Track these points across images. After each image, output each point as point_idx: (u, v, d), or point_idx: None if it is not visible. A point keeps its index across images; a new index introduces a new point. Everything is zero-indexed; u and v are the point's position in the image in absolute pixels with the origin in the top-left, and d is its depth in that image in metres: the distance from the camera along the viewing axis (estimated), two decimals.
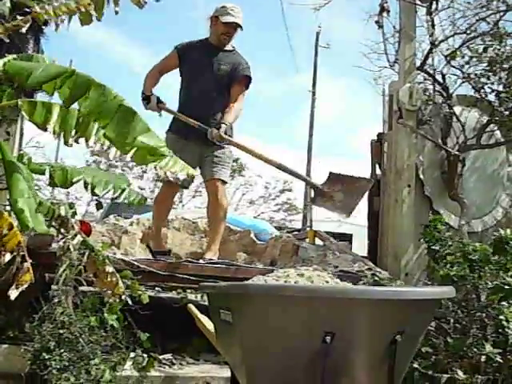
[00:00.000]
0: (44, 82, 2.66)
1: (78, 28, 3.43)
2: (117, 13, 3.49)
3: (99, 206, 2.76)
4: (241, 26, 4.43)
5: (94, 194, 2.88)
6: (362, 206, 6.22)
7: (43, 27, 4.43)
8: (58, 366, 3.16)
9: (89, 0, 3.32)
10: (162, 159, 2.85)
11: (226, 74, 4.49)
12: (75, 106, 2.80)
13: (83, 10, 3.30)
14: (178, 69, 4.65)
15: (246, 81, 4.62)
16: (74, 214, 3.17)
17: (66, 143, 2.95)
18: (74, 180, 2.77)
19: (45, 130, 2.82)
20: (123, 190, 2.95)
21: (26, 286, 2.81)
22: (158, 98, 4.47)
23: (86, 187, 2.78)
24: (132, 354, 3.75)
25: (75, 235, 3.06)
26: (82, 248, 3.04)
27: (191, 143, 4.45)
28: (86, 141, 2.96)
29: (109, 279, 3.06)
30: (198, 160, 4.48)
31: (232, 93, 4.53)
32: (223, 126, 4.36)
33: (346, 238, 7.38)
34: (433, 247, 4.02)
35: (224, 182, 4.52)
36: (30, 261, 2.91)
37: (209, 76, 4.48)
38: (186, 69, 4.57)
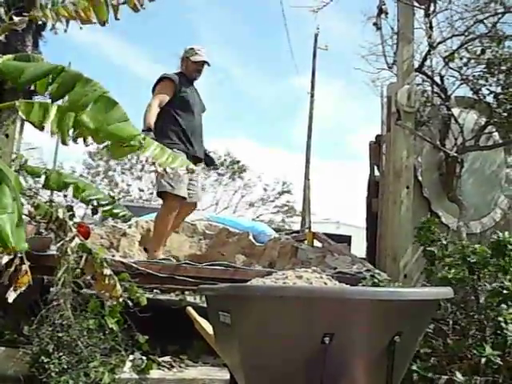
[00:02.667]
0: (35, 80, 2.66)
1: (76, 30, 3.43)
2: (117, 19, 3.51)
3: (94, 211, 2.75)
4: (208, 63, 5.20)
5: (87, 204, 2.86)
6: (361, 207, 6.26)
7: (42, 30, 4.43)
8: (57, 369, 3.16)
9: (86, 3, 3.32)
10: (136, 149, 2.79)
11: (202, 105, 5.38)
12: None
13: (82, 14, 3.30)
14: (175, 98, 5.04)
15: None
16: (72, 216, 3.17)
17: (63, 142, 2.94)
18: (67, 181, 2.75)
19: (42, 129, 2.81)
20: (114, 202, 2.96)
21: (24, 288, 2.81)
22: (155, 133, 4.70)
23: (76, 191, 2.77)
24: (131, 357, 3.75)
25: (73, 238, 3.05)
26: (79, 251, 3.04)
27: None
28: (84, 140, 2.96)
29: (107, 282, 3.05)
30: None
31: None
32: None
33: (345, 239, 7.38)
34: (428, 249, 4.02)
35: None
36: (29, 263, 2.90)
37: (198, 111, 5.20)
38: (180, 101, 5.01)
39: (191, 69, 5.17)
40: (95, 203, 3.11)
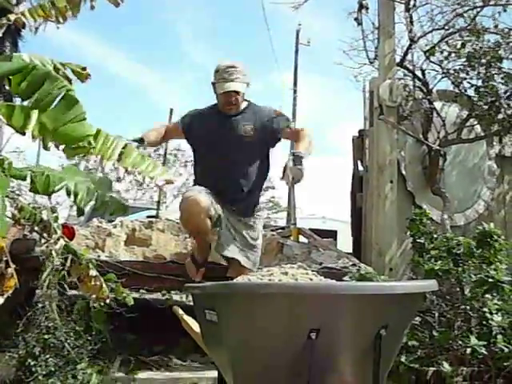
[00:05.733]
0: (6, 76, 2.63)
1: (55, 30, 3.40)
2: (92, 8, 3.42)
3: (80, 211, 2.72)
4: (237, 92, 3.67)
5: (77, 205, 2.84)
6: (346, 202, 6.28)
7: (21, 30, 4.38)
8: (44, 372, 3.14)
9: (65, 3, 3.29)
10: (87, 151, 2.75)
11: (252, 136, 3.72)
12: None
13: (59, 13, 3.27)
14: (189, 143, 3.98)
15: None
16: (57, 218, 3.14)
17: (45, 147, 2.92)
18: (57, 188, 2.72)
19: (23, 134, 2.79)
20: (105, 202, 2.92)
21: (11, 292, 2.78)
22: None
23: (68, 195, 2.74)
24: (119, 358, 3.74)
25: (58, 239, 3.03)
26: (64, 252, 3.02)
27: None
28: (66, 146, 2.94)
29: (93, 283, 3.03)
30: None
31: (290, 135, 3.87)
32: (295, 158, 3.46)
33: (331, 234, 7.40)
34: (418, 240, 4.05)
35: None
36: (14, 266, 2.88)
37: (232, 146, 3.71)
38: (198, 142, 3.89)
39: (220, 102, 3.75)
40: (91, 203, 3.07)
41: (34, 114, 2.74)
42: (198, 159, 3.94)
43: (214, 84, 3.69)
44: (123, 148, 3.42)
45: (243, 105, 3.78)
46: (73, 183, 2.78)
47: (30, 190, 2.93)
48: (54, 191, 2.73)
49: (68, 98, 2.64)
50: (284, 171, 3.39)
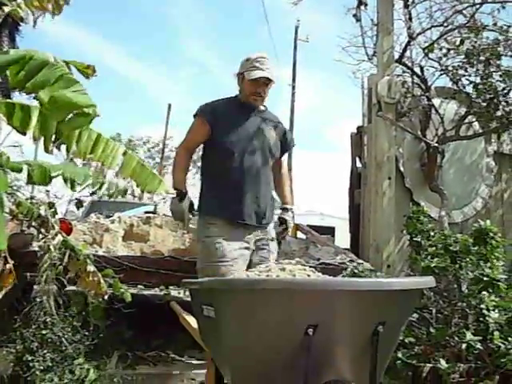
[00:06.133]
0: (5, 67, 2.62)
1: (52, 25, 3.39)
2: None
3: (79, 204, 2.70)
4: (270, 79, 3.40)
5: (73, 188, 2.82)
6: (344, 199, 6.28)
7: (19, 24, 4.37)
8: (42, 367, 3.15)
9: None
10: (92, 118, 2.71)
11: (274, 143, 3.50)
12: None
13: (54, 3, 3.25)
14: (210, 138, 3.45)
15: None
16: (54, 213, 3.14)
17: (46, 150, 2.90)
18: (53, 175, 2.70)
19: (24, 134, 2.78)
20: (102, 184, 2.89)
21: (9, 287, 2.79)
22: (191, 204, 3.35)
23: (65, 181, 2.72)
24: (116, 353, 3.74)
25: (55, 235, 3.03)
26: (62, 248, 3.02)
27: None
28: (67, 149, 2.95)
29: (91, 279, 3.03)
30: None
31: (281, 165, 3.69)
32: (290, 212, 3.56)
33: (329, 231, 7.42)
34: (415, 239, 4.06)
35: None
36: (12, 262, 2.88)
37: (258, 146, 3.41)
38: (226, 141, 3.36)
39: (247, 91, 3.40)
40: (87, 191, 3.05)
41: (35, 111, 2.73)
42: (219, 155, 3.41)
43: (239, 74, 3.42)
44: (123, 155, 3.42)
45: (262, 107, 3.53)
46: (69, 172, 2.76)
47: (28, 183, 2.93)
48: (51, 179, 2.71)
49: (66, 78, 2.62)
50: (285, 226, 3.48)
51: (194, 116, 3.44)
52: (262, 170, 3.42)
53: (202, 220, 3.34)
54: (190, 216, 3.26)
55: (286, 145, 3.61)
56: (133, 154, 3.14)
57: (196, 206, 3.40)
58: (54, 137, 2.81)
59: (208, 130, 3.36)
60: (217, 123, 3.37)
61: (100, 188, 2.87)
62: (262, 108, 3.51)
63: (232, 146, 3.34)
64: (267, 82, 3.39)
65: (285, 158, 3.76)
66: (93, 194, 2.82)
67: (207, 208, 3.35)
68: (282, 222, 3.49)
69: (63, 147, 2.91)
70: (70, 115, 2.67)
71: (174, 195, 3.33)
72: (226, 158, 3.34)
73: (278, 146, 3.53)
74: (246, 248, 3.23)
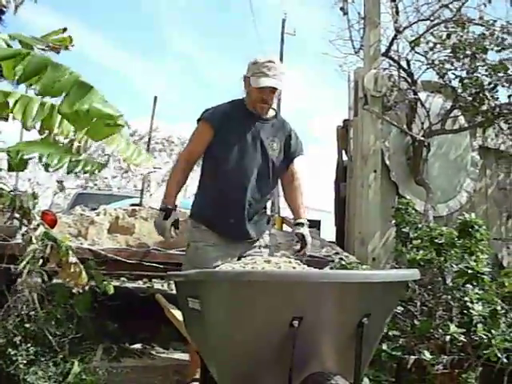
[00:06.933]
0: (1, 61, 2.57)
1: (35, 16, 3.34)
2: None
3: (61, 186, 2.66)
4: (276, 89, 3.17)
5: (47, 170, 2.76)
6: (330, 192, 6.29)
7: (2, 14, 4.30)
8: (25, 361, 3.12)
9: None
10: (118, 129, 2.65)
11: (277, 153, 3.31)
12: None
13: None
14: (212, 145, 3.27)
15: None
16: (35, 204, 3.11)
17: (25, 127, 2.86)
18: (26, 157, 2.64)
19: (5, 120, 2.74)
20: (78, 162, 2.82)
21: None
22: (176, 221, 3.18)
23: (40, 160, 2.66)
24: (101, 345, 3.73)
25: (37, 226, 3.00)
26: (44, 239, 2.99)
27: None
28: (50, 132, 2.89)
29: (72, 270, 3.00)
30: None
31: (291, 177, 3.45)
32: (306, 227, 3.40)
33: (314, 224, 7.42)
34: (403, 230, 4.08)
35: None
36: None
37: (258, 157, 3.23)
38: (223, 148, 3.21)
39: (253, 97, 3.18)
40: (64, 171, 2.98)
41: (15, 97, 2.69)
42: (213, 167, 3.28)
43: (246, 78, 3.18)
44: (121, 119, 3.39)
45: (271, 112, 3.31)
46: (46, 152, 2.71)
47: (9, 170, 2.89)
48: (26, 163, 2.66)
49: (79, 84, 2.54)
50: (303, 244, 3.32)
51: (198, 120, 3.26)
52: (258, 185, 3.24)
53: (190, 221, 3.32)
54: (173, 234, 3.14)
55: (290, 154, 3.36)
56: (118, 134, 3.08)
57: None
58: (34, 115, 2.76)
59: (211, 137, 3.19)
60: (219, 132, 3.19)
61: (77, 166, 2.81)
62: (269, 115, 3.28)
63: (227, 161, 3.18)
64: (274, 90, 3.16)
65: (296, 168, 3.46)
66: (68, 172, 2.75)
67: (195, 211, 3.32)
68: (300, 237, 3.29)
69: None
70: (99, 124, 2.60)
71: (161, 208, 3.19)
72: (219, 171, 3.22)
73: (281, 159, 3.32)
74: (231, 255, 3.12)
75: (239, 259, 2.89)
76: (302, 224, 3.36)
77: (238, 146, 3.18)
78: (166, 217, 3.11)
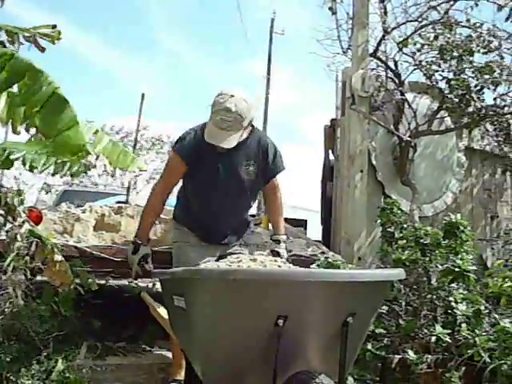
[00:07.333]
0: None
1: (24, 13, 3.30)
2: None
3: (47, 187, 2.64)
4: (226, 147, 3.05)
5: (32, 171, 2.75)
6: (317, 191, 6.31)
7: None
8: (8, 359, 3.10)
9: None
10: (81, 157, 2.64)
11: (254, 176, 3.27)
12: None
13: None
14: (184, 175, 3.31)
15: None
16: (22, 201, 3.08)
17: (14, 131, 2.85)
18: (13, 157, 2.62)
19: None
20: (64, 163, 2.80)
21: None
22: (145, 256, 3.25)
23: (24, 164, 2.65)
24: (86, 343, 3.70)
25: (23, 223, 2.97)
26: (29, 237, 2.96)
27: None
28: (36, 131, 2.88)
29: (57, 268, 2.98)
30: None
31: (272, 195, 3.46)
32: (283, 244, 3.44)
33: (301, 223, 7.43)
34: (388, 229, 4.10)
35: None
36: None
37: (233, 184, 3.23)
38: (196, 182, 3.25)
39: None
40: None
41: (2, 99, 2.66)
42: (191, 190, 3.34)
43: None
44: (94, 133, 3.37)
45: (245, 134, 3.16)
46: (31, 154, 2.69)
47: None
48: (12, 162, 2.64)
49: (56, 97, 2.53)
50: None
51: (172, 149, 3.28)
52: (236, 206, 3.32)
53: (173, 222, 3.46)
54: (139, 270, 3.24)
55: (269, 172, 3.34)
56: (104, 133, 3.07)
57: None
58: (22, 118, 2.74)
59: (185, 170, 3.20)
60: (191, 165, 3.18)
61: (62, 169, 2.79)
62: (243, 137, 3.12)
63: (200, 194, 3.25)
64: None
65: (277, 181, 3.44)
66: (54, 174, 2.73)
67: (177, 214, 3.45)
68: (275, 255, 3.18)
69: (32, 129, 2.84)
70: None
71: (132, 241, 3.31)
72: (192, 202, 3.30)
73: (259, 179, 3.30)
74: (210, 256, 3.18)
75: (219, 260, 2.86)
76: (278, 241, 3.41)
77: (210, 178, 3.18)
78: (135, 251, 3.23)
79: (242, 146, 3.16)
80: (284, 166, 3.43)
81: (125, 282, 4.03)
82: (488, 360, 3.05)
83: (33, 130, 2.85)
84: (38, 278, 3.33)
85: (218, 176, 3.18)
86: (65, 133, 2.47)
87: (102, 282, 3.87)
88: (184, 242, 3.30)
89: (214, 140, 2.98)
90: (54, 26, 2.89)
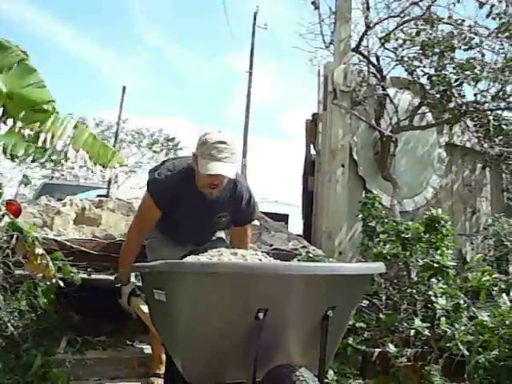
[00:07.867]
0: None
1: (10, 7, 3.26)
2: None
3: (26, 180, 2.61)
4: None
5: (13, 160, 2.71)
6: (298, 186, 6.31)
7: None
8: None
9: None
10: (49, 115, 2.60)
11: (226, 225, 3.33)
12: None
13: None
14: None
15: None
16: (1, 194, 3.04)
17: None
18: None
19: None
20: (45, 151, 2.77)
21: None
22: (133, 290, 3.11)
23: (4, 152, 2.61)
24: (65, 337, 3.68)
25: (2, 216, 2.93)
26: (9, 230, 2.93)
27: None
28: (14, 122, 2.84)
29: (39, 261, 2.95)
30: None
31: (241, 230, 3.42)
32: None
33: (283, 217, 7.45)
34: (369, 224, 4.12)
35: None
36: None
37: (205, 227, 3.31)
38: (170, 225, 3.25)
39: (202, 182, 2.98)
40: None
41: None
42: (164, 224, 3.28)
43: (195, 156, 2.95)
44: (74, 128, 3.34)
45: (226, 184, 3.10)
46: (10, 143, 2.66)
47: None
48: None
49: (23, 66, 2.52)
50: None
51: (147, 189, 3.16)
52: (204, 238, 3.38)
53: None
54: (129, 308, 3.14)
55: (239, 220, 3.32)
56: (84, 127, 3.04)
57: None
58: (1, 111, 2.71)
59: (159, 215, 3.11)
60: (166, 212, 3.11)
61: (43, 155, 2.76)
62: (223, 186, 3.04)
63: (172, 233, 3.30)
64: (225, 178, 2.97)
65: (248, 227, 3.42)
66: (33, 161, 2.69)
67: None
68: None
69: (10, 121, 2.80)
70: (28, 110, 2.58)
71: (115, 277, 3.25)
72: (168, 230, 3.30)
73: (228, 227, 3.39)
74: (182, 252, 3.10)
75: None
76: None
77: (184, 224, 3.17)
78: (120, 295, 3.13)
79: (221, 195, 3.10)
80: (256, 215, 3.48)
81: (105, 275, 4.00)
82: (466, 353, 3.09)
83: (10, 121, 2.81)
84: (17, 271, 3.29)
85: (191, 222, 3.16)
86: (31, 89, 2.45)
87: (84, 275, 3.84)
88: (156, 238, 3.33)
89: (214, 170, 2.84)
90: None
